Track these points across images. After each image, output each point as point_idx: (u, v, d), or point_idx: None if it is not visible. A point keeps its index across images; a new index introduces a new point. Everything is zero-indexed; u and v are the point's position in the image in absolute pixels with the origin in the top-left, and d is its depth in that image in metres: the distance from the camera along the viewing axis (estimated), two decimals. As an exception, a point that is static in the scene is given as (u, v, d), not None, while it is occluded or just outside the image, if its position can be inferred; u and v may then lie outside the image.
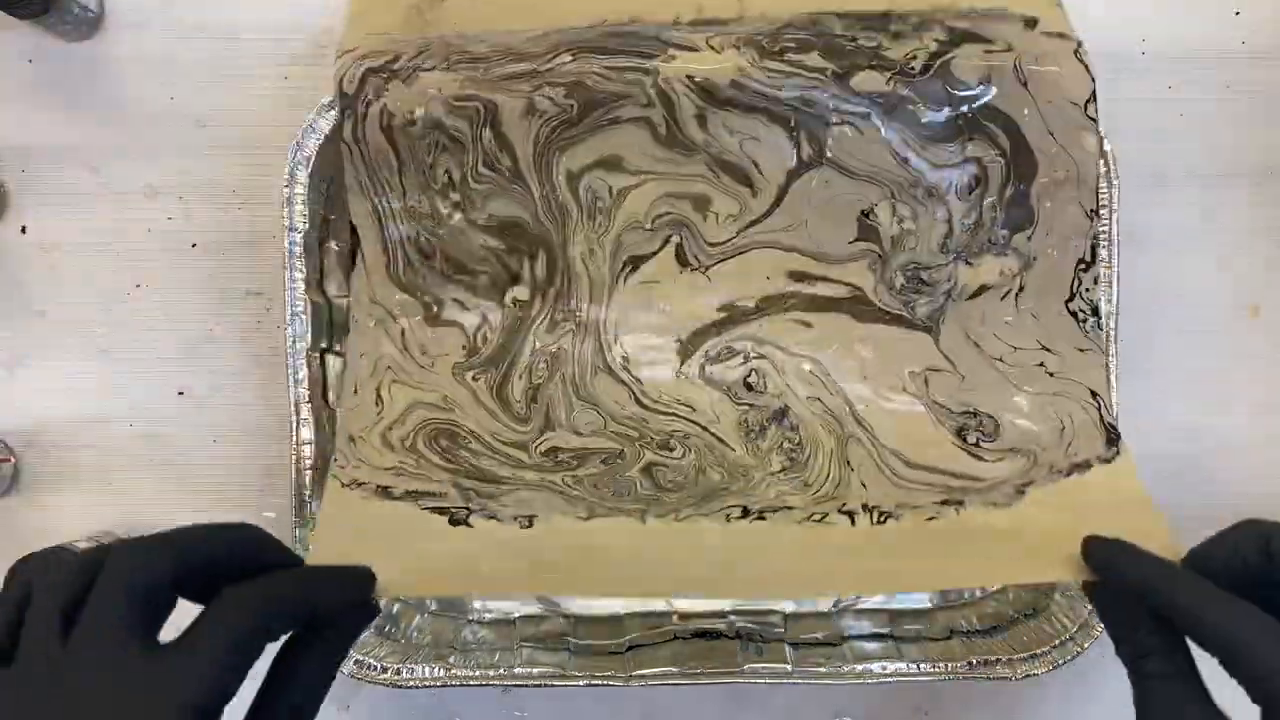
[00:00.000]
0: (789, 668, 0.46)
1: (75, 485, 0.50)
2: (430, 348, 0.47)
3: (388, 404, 0.46)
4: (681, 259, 0.47)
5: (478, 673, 0.46)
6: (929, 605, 0.50)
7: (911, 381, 0.47)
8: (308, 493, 0.46)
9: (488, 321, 0.48)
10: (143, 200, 0.50)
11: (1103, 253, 0.46)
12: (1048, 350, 0.46)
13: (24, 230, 0.50)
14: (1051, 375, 0.46)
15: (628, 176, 0.46)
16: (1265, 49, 0.50)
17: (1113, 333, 0.46)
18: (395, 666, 0.46)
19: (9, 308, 0.50)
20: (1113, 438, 0.44)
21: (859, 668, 0.46)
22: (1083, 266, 0.46)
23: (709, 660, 0.46)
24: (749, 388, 0.48)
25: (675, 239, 0.47)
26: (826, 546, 0.42)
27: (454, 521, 0.42)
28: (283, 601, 0.30)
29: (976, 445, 0.46)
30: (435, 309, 0.48)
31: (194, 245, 0.50)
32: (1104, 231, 0.46)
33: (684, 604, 0.50)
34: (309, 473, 0.46)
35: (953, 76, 0.44)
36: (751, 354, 0.48)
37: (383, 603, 0.36)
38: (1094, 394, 0.45)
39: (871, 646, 0.48)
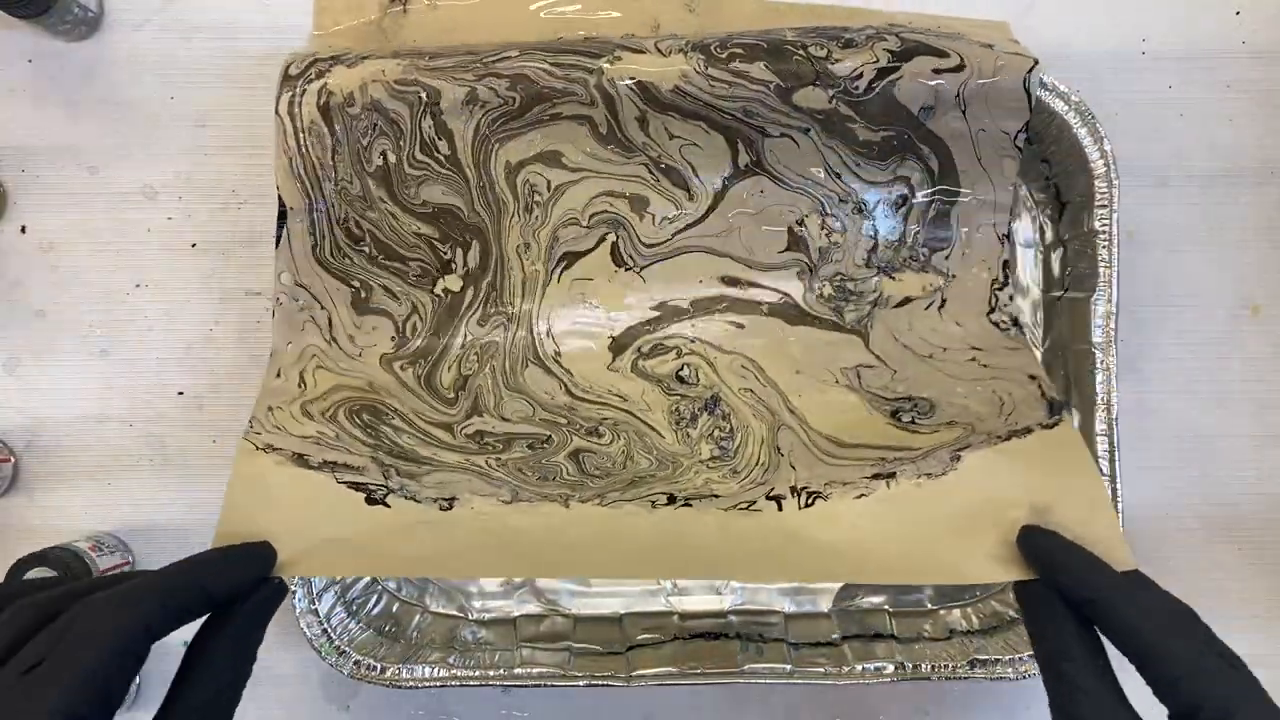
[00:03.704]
0: (789, 668, 0.46)
1: (75, 485, 0.50)
2: (359, 338, 0.47)
3: (310, 386, 0.45)
4: (617, 258, 0.48)
5: (478, 673, 0.46)
6: (929, 606, 0.50)
7: (844, 376, 0.48)
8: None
9: (418, 311, 0.47)
10: (143, 200, 0.50)
11: (1103, 252, 0.46)
12: (977, 349, 0.47)
13: (24, 230, 0.50)
14: (985, 366, 0.47)
15: (566, 173, 0.47)
16: (1265, 49, 0.50)
17: (1113, 333, 0.46)
18: (395, 666, 0.46)
19: (9, 308, 0.50)
20: (1055, 408, 0.43)
21: (859, 668, 0.46)
22: (998, 285, 0.48)
23: (709, 660, 0.46)
24: (681, 380, 0.48)
25: (611, 237, 0.48)
26: (750, 532, 0.41)
27: (371, 501, 0.40)
28: (146, 601, 0.29)
29: (912, 423, 0.46)
30: (364, 294, 0.47)
31: (194, 245, 0.50)
32: (1104, 231, 0.46)
33: (684, 604, 0.50)
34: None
35: (894, 99, 0.44)
36: (684, 350, 0.48)
37: (289, 580, 0.35)
38: (1031, 376, 0.45)
39: (871, 646, 0.48)
